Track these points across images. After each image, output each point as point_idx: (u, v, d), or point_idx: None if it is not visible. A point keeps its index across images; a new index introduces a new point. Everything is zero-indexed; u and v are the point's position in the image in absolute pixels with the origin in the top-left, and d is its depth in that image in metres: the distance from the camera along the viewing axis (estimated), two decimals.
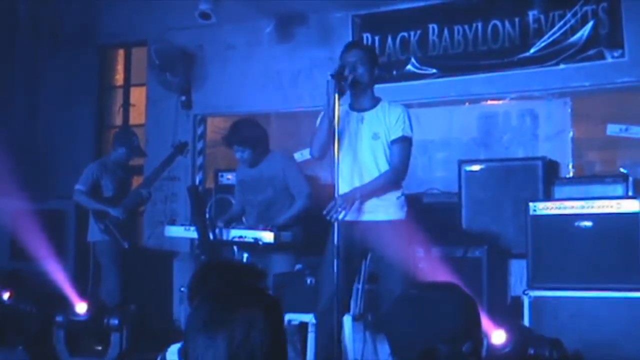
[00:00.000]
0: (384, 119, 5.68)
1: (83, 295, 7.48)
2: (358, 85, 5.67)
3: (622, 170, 7.62)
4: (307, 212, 6.82)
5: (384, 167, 5.65)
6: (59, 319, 7.17)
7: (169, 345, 3.65)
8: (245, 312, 2.46)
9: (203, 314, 2.48)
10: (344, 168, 5.52)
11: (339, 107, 5.42)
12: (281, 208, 6.93)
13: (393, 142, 5.66)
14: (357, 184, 5.59)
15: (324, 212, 5.47)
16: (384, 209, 5.64)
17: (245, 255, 6.64)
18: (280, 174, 6.95)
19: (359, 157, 5.65)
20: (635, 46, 7.96)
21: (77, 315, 7.18)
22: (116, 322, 7.07)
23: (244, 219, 7.16)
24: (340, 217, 5.38)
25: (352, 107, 5.78)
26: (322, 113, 5.66)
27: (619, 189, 6.86)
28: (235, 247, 6.70)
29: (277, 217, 6.82)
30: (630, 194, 6.75)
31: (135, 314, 7.20)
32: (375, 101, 5.79)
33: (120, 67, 11.09)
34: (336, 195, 5.43)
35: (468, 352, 2.68)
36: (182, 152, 8.34)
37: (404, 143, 5.70)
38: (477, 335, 2.74)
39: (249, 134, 6.97)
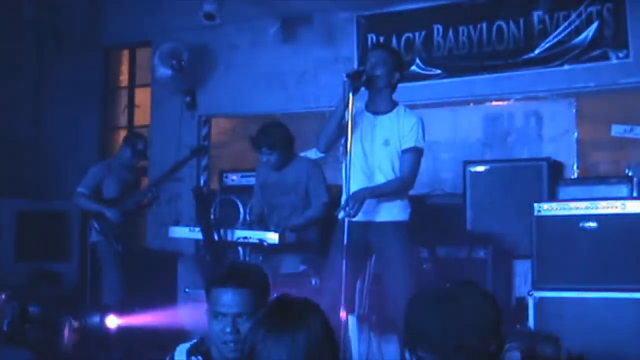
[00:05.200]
0: (397, 126, 5.69)
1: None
2: (374, 86, 5.68)
3: (626, 171, 7.61)
4: (320, 221, 6.82)
5: (390, 174, 5.67)
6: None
7: (176, 346, 3.65)
8: (303, 324, 2.74)
9: (262, 331, 2.66)
10: (353, 169, 5.54)
11: (353, 107, 5.44)
12: (301, 214, 6.93)
13: (404, 151, 5.67)
14: (364, 185, 5.60)
15: (336, 213, 5.50)
16: (388, 210, 5.67)
17: (256, 256, 6.64)
18: (304, 179, 6.93)
19: (369, 160, 5.66)
20: None
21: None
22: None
23: None
24: (352, 217, 5.39)
25: (368, 107, 5.78)
26: (336, 108, 5.65)
27: (623, 190, 6.85)
28: (240, 248, 6.71)
29: (291, 221, 6.83)
30: (635, 194, 6.73)
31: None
32: (392, 105, 5.78)
33: (124, 68, 11.11)
34: (346, 195, 5.44)
35: (493, 353, 2.68)
36: (199, 155, 8.34)
37: (415, 153, 5.71)
38: (502, 337, 2.74)
39: (279, 137, 6.94)
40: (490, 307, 2.73)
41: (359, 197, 5.47)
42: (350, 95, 5.42)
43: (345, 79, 5.47)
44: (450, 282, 2.84)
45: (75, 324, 7.03)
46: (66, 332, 6.97)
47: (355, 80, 5.46)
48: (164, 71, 9.60)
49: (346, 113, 5.47)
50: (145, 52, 10.55)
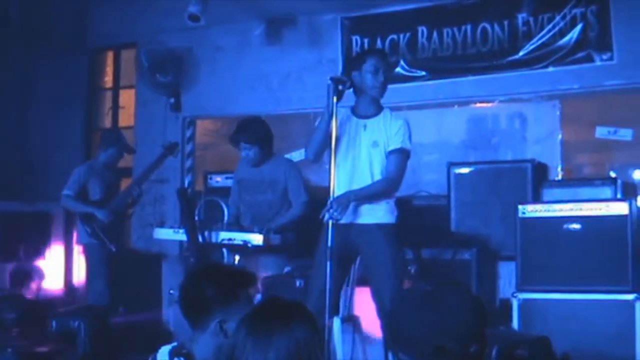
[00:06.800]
0: (385, 128, 5.71)
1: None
2: (364, 91, 5.71)
3: (610, 172, 7.63)
4: (302, 220, 6.83)
5: (379, 176, 5.68)
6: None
7: (159, 347, 3.64)
8: (292, 327, 2.73)
9: (249, 333, 2.67)
10: (341, 173, 5.56)
11: (337, 110, 5.46)
12: (277, 212, 6.94)
13: (391, 152, 5.69)
14: (351, 188, 5.61)
15: (320, 215, 5.50)
16: (374, 213, 5.67)
17: (237, 257, 6.63)
18: (282, 178, 6.95)
19: (357, 164, 5.68)
20: (624, 49, 7.98)
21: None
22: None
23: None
24: (337, 220, 5.40)
25: (355, 112, 5.79)
26: (322, 115, 5.66)
27: (607, 192, 6.86)
28: (224, 250, 6.70)
29: (271, 221, 6.83)
30: (618, 196, 6.75)
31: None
32: (379, 109, 5.81)
33: (109, 70, 11.08)
34: (331, 198, 5.45)
35: (474, 354, 2.68)
36: (173, 152, 8.34)
37: (401, 155, 5.73)
38: (484, 338, 2.74)
39: (258, 132, 7.00)
40: (472, 308, 2.73)
41: (344, 200, 5.48)
42: (335, 98, 5.43)
43: (330, 82, 5.48)
44: (434, 283, 2.84)
45: (59, 325, 6.99)
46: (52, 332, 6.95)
47: (338, 85, 5.47)
48: (148, 73, 9.60)
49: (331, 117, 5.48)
50: (130, 53, 10.52)
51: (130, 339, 6.77)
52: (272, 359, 2.68)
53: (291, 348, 2.70)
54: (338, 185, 5.51)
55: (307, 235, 6.02)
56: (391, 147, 5.68)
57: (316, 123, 5.81)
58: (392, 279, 5.54)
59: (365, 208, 5.66)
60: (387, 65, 5.91)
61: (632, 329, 5.97)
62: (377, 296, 5.63)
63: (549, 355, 4.81)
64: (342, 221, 5.48)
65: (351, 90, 5.71)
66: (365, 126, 5.73)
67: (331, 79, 5.52)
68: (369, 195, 5.65)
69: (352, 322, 6.22)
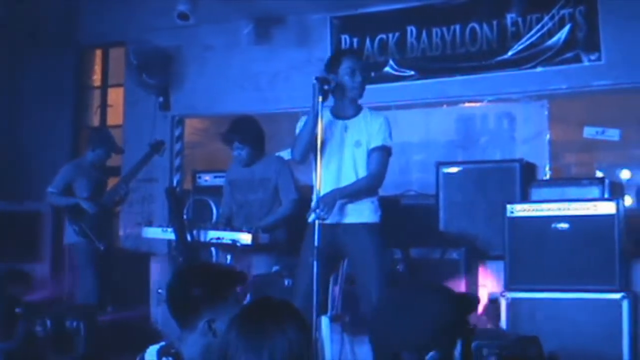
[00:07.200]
0: (366, 127, 5.73)
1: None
2: (343, 93, 5.71)
3: (598, 172, 7.66)
4: (291, 218, 6.82)
5: (363, 174, 5.69)
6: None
7: (147, 346, 3.63)
8: (282, 326, 2.72)
9: (240, 333, 2.66)
10: (326, 174, 5.55)
11: (322, 111, 5.46)
12: (269, 211, 6.93)
13: (372, 150, 5.71)
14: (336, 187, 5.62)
15: (307, 215, 5.51)
16: (358, 213, 5.70)
17: (229, 256, 6.62)
18: (273, 176, 6.94)
19: (342, 165, 5.69)
20: (612, 49, 8.01)
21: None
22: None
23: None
24: (323, 219, 5.40)
25: (335, 114, 5.80)
26: (305, 116, 5.68)
27: (595, 191, 6.88)
28: (213, 249, 6.69)
29: (262, 219, 6.83)
30: (606, 196, 6.77)
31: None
32: (358, 109, 5.82)
33: (98, 68, 11.06)
34: (316, 198, 5.45)
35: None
36: (159, 150, 8.32)
37: (383, 152, 5.75)
38: (446, 344, 2.72)
39: (251, 131, 6.98)
40: (431, 315, 2.73)
41: (329, 199, 5.49)
42: (320, 98, 5.43)
43: (315, 82, 5.48)
44: (408, 288, 2.86)
45: (48, 324, 6.97)
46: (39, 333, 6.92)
47: (323, 85, 5.47)
48: (137, 71, 9.60)
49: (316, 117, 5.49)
50: (119, 52, 10.51)
51: (118, 338, 6.77)
52: (266, 359, 2.69)
53: (284, 348, 2.71)
54: (324, 186, 5.52)
55: (297, 233, 6.01)
56: (373, 145, 5.70)
57: (298, 123, 5.80)
58: (377, 278, 5.57)
59: (350, 208, 5.67)
60: (362, 65, 5.94)
61: (619, 327, 6.00)
62: (363, 296, 5.66)
63: (540, 355, 4.83)
64: (328, 221, 5.49)
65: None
66: (346, 127, 5.75)
67: (317, 78, 5.52)
68: (354, 192, 5.66)
69: (340, 321, 6.22)
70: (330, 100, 5.76)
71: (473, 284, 7.12)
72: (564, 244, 6.32)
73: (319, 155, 5.48)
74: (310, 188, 5.80)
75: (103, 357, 6.85)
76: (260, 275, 6.60)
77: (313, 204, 5.49)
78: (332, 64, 5.84)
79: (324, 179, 5.50)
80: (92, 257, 7.96)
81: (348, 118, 5.78)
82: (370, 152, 5.71)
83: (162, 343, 3.63)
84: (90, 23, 10.30)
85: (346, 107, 5.80)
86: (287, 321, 2.79)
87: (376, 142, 5.70)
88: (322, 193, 5.48)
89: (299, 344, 2.74)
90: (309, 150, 5.65)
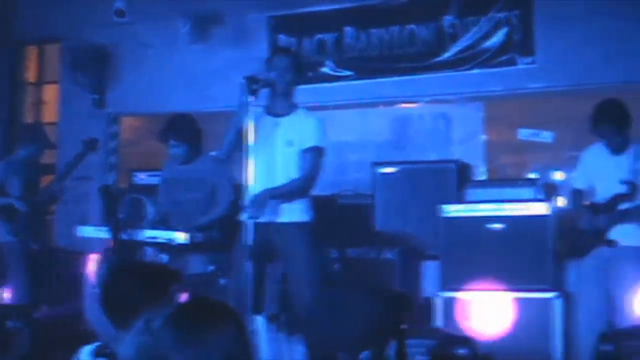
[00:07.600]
0: (299, 126, 5.75)
1: None
2: (275, 90, 5.72)
3: (532, 174, 7.74)
4: (227, 219, 6.79)
5: (294, 174, 5.71)
6: None
7: (81, 347, 3.60)
8: (219, 326, 2.68)
9: (176, 332, 2.61)
10: (257, 171, 5.53)
11: (252, 110, 5.44)
12: (205, 211, 6.88)
13: (305, 150, 5.73)
14: (267, 186, 5.63)
15: (239, 215, 5.50)
16: (290, 212, 5.72)
17: (165, 256, 6.57)
18: (210, 176, 6.89)
19: (272, 162, 5.69)
20: (546, 53, 8.13)
21: None
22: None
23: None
24: (255, 218, 5.40)
25: (268, 110, 5.81)
26: (234, 115, 5.67)
27: (529, 192, 6.96)
28: (147, 248, 6.63)
29: (198, 219, 6.79)
30: (540, 197, 6.86)
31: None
32: (292, 108, 5.84)
33: (32, 64, 10.92)
34: (248, 197, 5.44)
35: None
36: (93, 148, 8.23)
37: (316, 152, 5.77)
38: (380, 344, 2.75)
39: (188, 129, 6.91)
40: (375, 314, 2.75)
41: (261, 199, 5.49)
42: (249, 97, 5.43)
43: (243, 81, 5.48)
44: (342, 290, 2.89)
45: None
46: None
47: (253, 84, 5.47)
48: (71, 68, 9.51)
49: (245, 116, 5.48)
50: (54, 48, 10.39)
51: (52, 338, 6.70)
52: (203, 358, 2.67)
53: (221, 348, 2.69)
54: (255, 184, 5.50)
55: (233, 233, 5.99)
56: (306, 145, 5.72)
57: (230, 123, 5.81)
58: (308, 278, 5.59)
59: (282, 207, 5.69)
60: (296, 64, 5.94)
61: (552, 326, 6.09)
62: (296, 295, 5.67)
63: (473, 355, 4.88)
64: (261, 220, 5.49)
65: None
66: (277, 124, 5.76)
67: (245, 78, 5.51)
68: (286, 193, 5.69)
69: (276, 320, 6.21)
70: (266, 99, 5.78)
71: (409, 283, 7.17)
72: (498, 244, 6.39)
73: (248, 154, 5.45)
74: (240, 186, 5.78)
75: (43, 356, 6.78)
76: (196, 274, 6.56)
77: (245, 202, 5.48)
78: (267, 62, 5.88)
79: (255, 176, 5.48)
80: (24, 256, 7.87)
81: (280, 115, 5.79)
82: (303, 153, 5.72)
83: (97, 343, 3.60)
84: (25, 18, 10.18)
85: (278, 105, 5.81)
86: (225, 320, 2.77)
87: (309, 143, 5.72)
88: (253, 191, 5.47)
89: (235, 343, 2.73)
90: (236, 147, 5.65)
